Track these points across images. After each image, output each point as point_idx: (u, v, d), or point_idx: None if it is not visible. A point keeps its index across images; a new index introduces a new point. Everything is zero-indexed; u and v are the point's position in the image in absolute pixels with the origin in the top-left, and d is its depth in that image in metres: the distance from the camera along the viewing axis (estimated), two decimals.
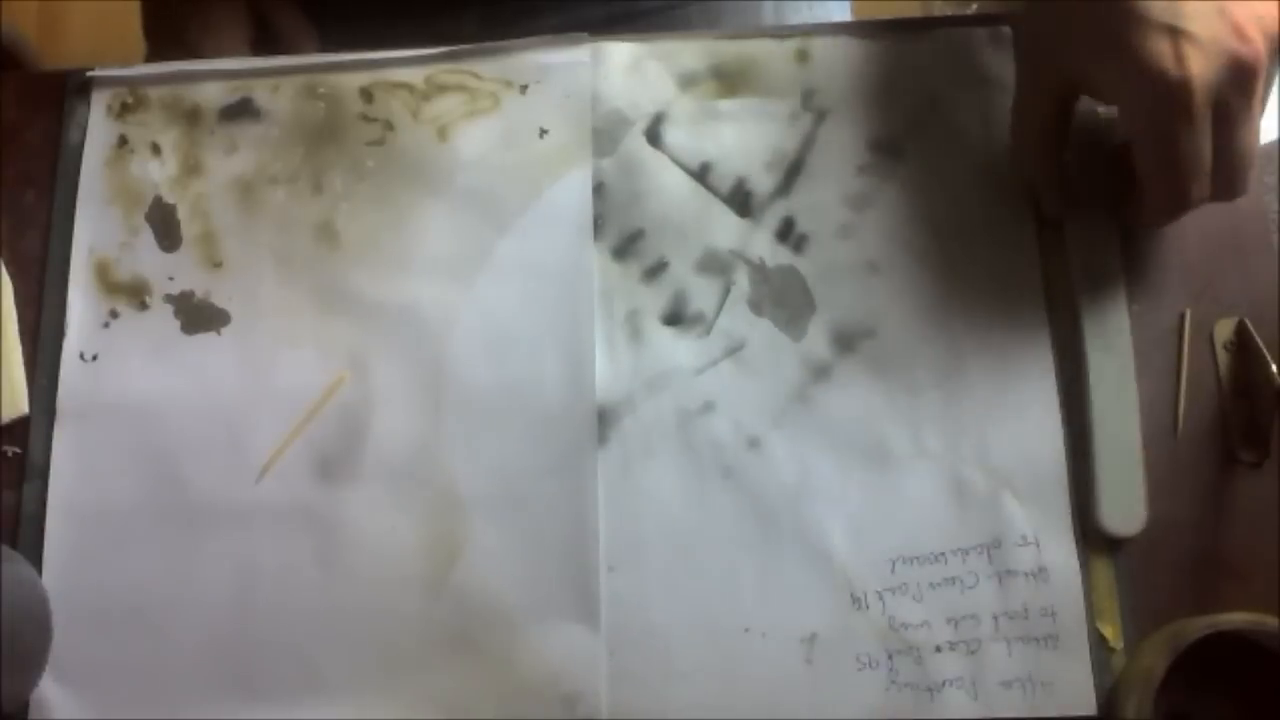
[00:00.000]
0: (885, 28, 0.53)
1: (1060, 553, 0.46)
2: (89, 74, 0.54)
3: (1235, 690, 0.43)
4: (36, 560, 0.48)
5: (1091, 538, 0.46)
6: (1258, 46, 0.41)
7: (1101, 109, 0.50)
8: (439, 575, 0.47)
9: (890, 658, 0.45)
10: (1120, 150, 0.47)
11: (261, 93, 0.53)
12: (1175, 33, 0.41)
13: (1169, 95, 0.41)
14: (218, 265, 0.51)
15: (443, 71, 0.53)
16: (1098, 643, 0.45)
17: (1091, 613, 0.45)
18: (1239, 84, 0.41)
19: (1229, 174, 0.43)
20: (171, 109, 0.53)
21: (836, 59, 0.52)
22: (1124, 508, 0.45)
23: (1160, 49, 0.41)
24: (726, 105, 0.52)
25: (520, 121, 0.52)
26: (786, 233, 0.50)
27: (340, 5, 0.65)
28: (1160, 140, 0.42)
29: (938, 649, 0.45)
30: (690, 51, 0.53)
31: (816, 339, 0.49)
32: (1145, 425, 0.47)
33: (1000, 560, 0.46)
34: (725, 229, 0.50)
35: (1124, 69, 0.42)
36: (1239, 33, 0.41)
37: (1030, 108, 0.48)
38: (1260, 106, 0.42)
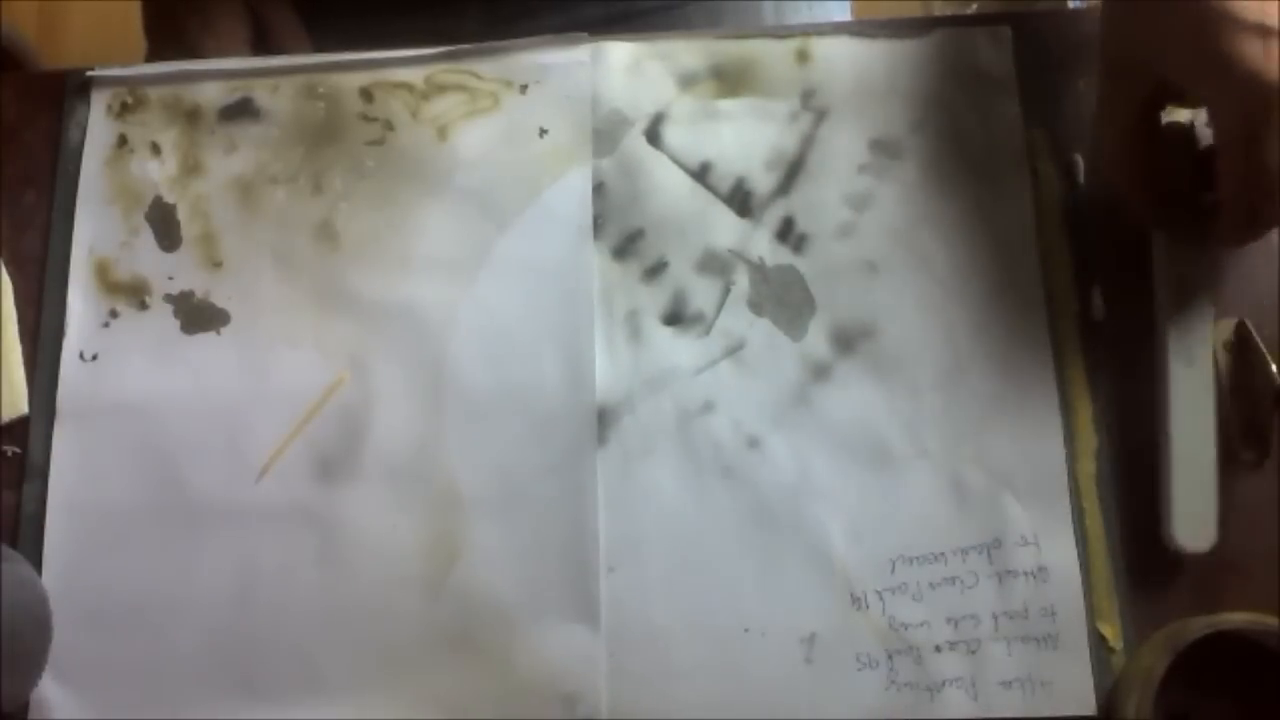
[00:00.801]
0: (885, 28, 0.53)
1: (1060, 553, 0.46)
2: (89, 74, 0.54)
3: (1235, 690, 0.43)
4: (36, 560, 0.48)
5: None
6: None
7: (1184, 115, 0.48)
8: (439, 575, 0.47)
9: (890, 657, 0.45)
10: (1206, 162, 0.46)
11: (261, 93, 0.53)
12: (1265, 32, 0.40)
13: (1259, 97, 0.40)
14: (217, 265, 0.51)
15: (442, 71, 0.53)
16: (1098, 643, 0.45)
17: (1091, 613, 0.45)
18: None
19: None
20: (171, 109, 0.53)
21: (836, 59, 0.52)
22: (1196, 524, 0.45)
23: (1251, 50, 0.40)
24: (726, 105, 0.52)
25: (520, 121, 0.52)
26: (786, 232, 0.50)
27: (340, 4, 0.65)
28: (1248, 144, 0.41)
29: (937, 649, 0.45)
30: (690, 51, 0.53)
31: (816, 339, 0.49)
32: (1146, 424, 0.47)
33: (1000, 560, 0.46)
34: (725, 229, 0.50)
35: (1213, 71, 0.41)
36: None
37: (1115, 114, 0.46)
38: None
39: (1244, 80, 0.40)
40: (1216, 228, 0.45)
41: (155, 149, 0.53)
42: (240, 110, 0.53)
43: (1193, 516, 0.45)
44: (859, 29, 0.53)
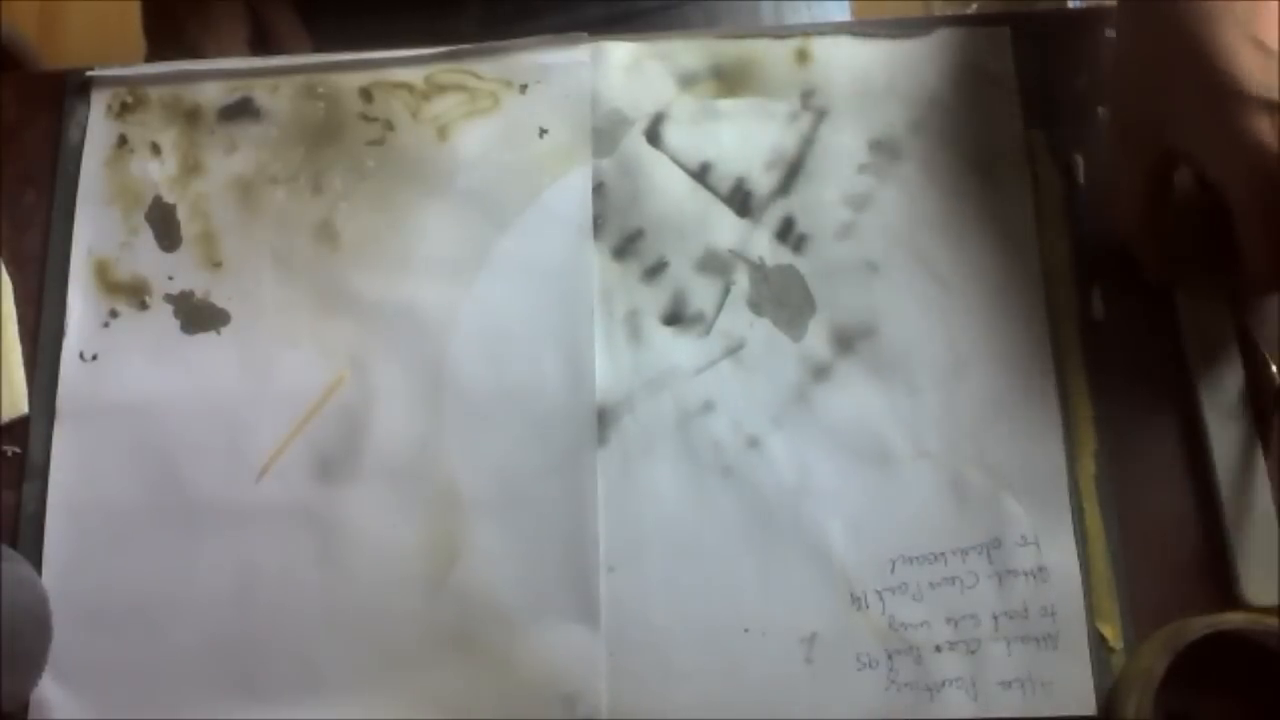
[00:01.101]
0: (885, 28, 0.53)
1: (1060, 553, 0.46)
2: (89, 74, 0.54)
3: (1235, 690, 0.43)
4: (36, 560, 0.48)
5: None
6: None
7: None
8: (439, 575, 0.47)
9: (890, 657, 0.45)
10: (1223, 214, 0.46)
11: (261, 92, 0.53)
12: (1274, 108, 0.40)
13: (1270, 172, 0.40)
14: (217, 265, 0.51)
15: (443, 71, 0.53)
16: (1098, 643, 0.45)
17: (1091, 613, 0.45)
18: None
19: None
20: (171, 109, 0.53)
21: (836, 59, 0.52)
22: (1266, 578, 0.45)
23: (1259, 125, 0.40)
24: (726, 105, 0.52)
25: (520, 121, 0.52)
26: (786, 232, 0.50)
27: (340, 4, 0.65)
28: (1264, 217, 0.41)
29: (937, 649, 0.45)
30: (690, 51, 0.53)
31: (816, 339, 0.49)
32: (1145, 424, 0.47)
33: (1000, 560, 0.46)
34: (725, 229, 0.50)
35: (1222, 146, 0.41)
36: None
37: (1126, 176, 0.46)
38: None
39: (1253, 156, 0.40)
40: (1244, 280, 0.45)
41: (155, 149, 0.53)
42: (240, 110, 0.53)
43: (1261, 571, 0.45)
44: (859, 29, 0.53)
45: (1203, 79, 0.41)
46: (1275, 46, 0.41)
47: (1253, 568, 0.45)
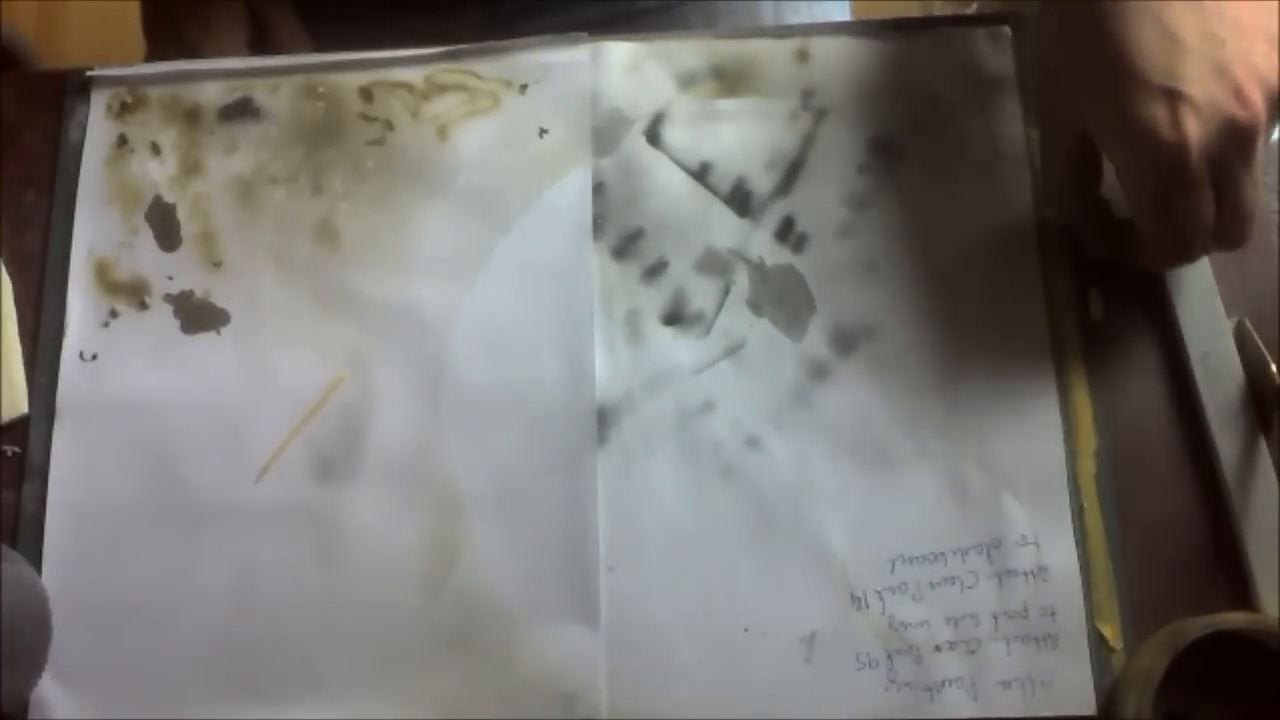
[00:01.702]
0: (885, 28, 0.53)
1: (1060, 553, 0.46)
2: (89, 74, 0.54)
3: (1235, 690, 0.43)
4: (36, 560, 0.48)
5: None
6: (1257, 108, 0.40)
7: None
8: (439, 574, 0.47)
9: (890, 657, 0.45)
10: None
11: (261, 92, 0.53)
12: (1172, 96, 0.40)
13: (1163, 160, 0.41)
14: (217, 265, 0.51)
15: (443, 71, 0.53)
16: (1097, 643, 0.45)
17: (1091, 613, 0.45)
18: (1237, 146, 0.41)
19: (1230, 228, 0.43)
20: (171, 109, 0.53)
21: (836, 59, 0.52)
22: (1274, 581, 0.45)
23: (1156, 114, 0.40)
24: (726, 105, 0.52)
25: (520, 121, 0.52)
26: (786, 232, 0.50)
27: (340, 4, 0.65)
28: (1156, 201, 0.42)
29: (937, 649, 0.45)
30: (690, 51, 0.53)
31: (816, 339, 0.49)
32: (1145, 424, 0.47)
33: (1000, 560, 0.46)
34: (725, 229, 0.50)
35: (1120, 131, 0.42)
36: (1238, 94, 0.40)
37: (1051, 153, 0.48)
38: (1260, 161, 0.42)
39: (1148, 143, 0.41)
40: (1140, 255, 0.46)
41: (155, 149, 0.53)
42: (240, 110, 0.53)
43: (1273, 578, 0.45)
44: (859, 29, 0.53)
45: (1107, 64, 0.42)
46: (1187, 39, 0.41)
47: (1265, 575, 0.45)
